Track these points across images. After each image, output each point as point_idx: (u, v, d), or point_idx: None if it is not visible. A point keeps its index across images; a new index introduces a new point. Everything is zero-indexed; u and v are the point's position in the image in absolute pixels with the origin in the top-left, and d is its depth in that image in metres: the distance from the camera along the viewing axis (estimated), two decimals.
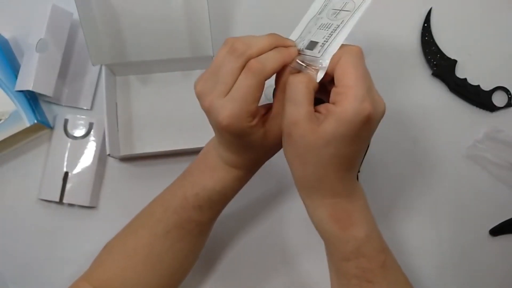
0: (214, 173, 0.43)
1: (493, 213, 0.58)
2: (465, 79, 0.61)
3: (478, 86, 0.61)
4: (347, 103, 0.33)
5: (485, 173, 0.59)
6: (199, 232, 0.46)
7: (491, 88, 0.61)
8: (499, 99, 0.61)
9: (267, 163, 0.45)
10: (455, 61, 0.62)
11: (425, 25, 0.63)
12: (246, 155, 0.42)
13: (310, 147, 0.35)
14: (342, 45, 0.36)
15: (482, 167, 0.59)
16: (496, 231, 0.57)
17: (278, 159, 0.42)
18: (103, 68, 0.57)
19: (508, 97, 0.61)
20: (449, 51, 0.62)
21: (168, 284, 0.47)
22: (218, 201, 0.45)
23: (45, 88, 0.56)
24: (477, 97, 0.61)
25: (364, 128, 0.34)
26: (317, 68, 0.37)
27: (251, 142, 0.39)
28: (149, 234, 0.45)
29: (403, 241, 0.57)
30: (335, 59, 0.35)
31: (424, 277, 0.56)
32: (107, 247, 0.46)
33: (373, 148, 0.59)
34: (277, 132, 0.39)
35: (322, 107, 0.36)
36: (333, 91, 0.35)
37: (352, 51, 0.35)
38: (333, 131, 0.34)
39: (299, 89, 0.36)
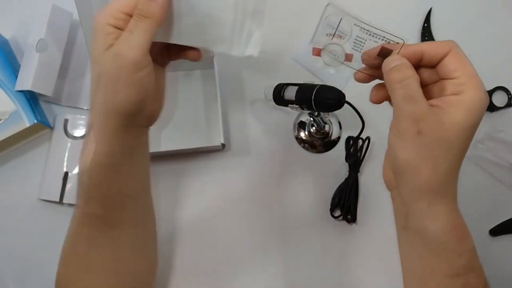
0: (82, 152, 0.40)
1: (493, 213, 0.58)
2: None
3: None
4: (475, 92, 0.34)
5: (485, 173, 0.59)
6: (103, 224, 0.42)
7: (491, 88, 0.61)
8: (499, 99, 0.61)
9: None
10: None
11: (425, 25, 0.63)
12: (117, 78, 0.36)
13: (441, 141, 0.34)
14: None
15: (482, 167, 0.59)
16: (496, 231, 0.57)
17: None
18: None
19: (508, 97, 0.61)
20: None
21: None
22: (91, 185, 0.40)
23: (45, 88, 0.56)
24: None
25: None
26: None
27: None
28: (72, 233, 0.44)
29: None
30: (442, 48, 0.36)
31: None
32: None
33: (373, 148, 0.59)
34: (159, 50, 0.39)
35: (436, 100, 0.35)
36: (453, 82, 0.35)
37: (456, 44, 0.36)
38: (464, 121, 0.33)
39: (413, 84, 0.35)
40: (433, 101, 0.35)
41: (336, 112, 0.58)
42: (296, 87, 0.51)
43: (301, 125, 0.61)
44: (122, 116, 0.38)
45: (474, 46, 0.63)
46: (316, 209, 0.58)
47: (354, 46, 0.43)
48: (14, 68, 0.58)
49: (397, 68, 0.36)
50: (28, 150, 0.59)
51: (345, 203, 0.56)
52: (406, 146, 0.35)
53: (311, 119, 0.59)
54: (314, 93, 0.48)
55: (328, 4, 0.46)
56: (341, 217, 0.57)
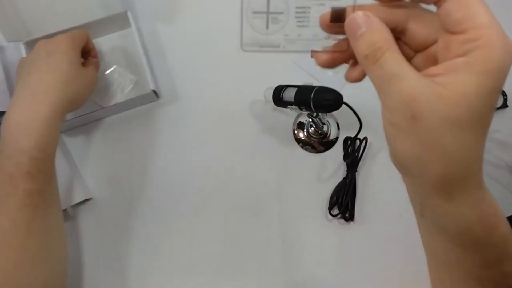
0: (29, 130, 0.43)
1: None
2: None
3: None
4: (490, 49, 0.25)
5: None
6: (44, 201, 0.44)
7: None
8: None
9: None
10: None
11: None
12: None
13: (448, 122, 0.25)
14: None
15: None
16: None
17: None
18: (22, 46, 0.58)
19: (504, 98, 0.62)
20: None
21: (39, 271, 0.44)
22: (42, 159, 0.43)
23: None
24: None
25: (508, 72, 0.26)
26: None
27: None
28: (9, 224, 0.42)
29: (401, 239, 0.57)
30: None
31: (424, 276, 0.57)
32: None
33: (370, 147, 0.60)
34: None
35: (438, 68, 0.26)
36: (458, 39, 0.26)
37: None
38: (477, 89, 0.25)
39: (389, 56, 0.26)
40: (433, 69, 0.26)
41: (334, 113, 0.59)
42: (295, 89, 0.52)
43: (300, 126, 0.61)
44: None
45: None
46: (315, 208, 0.58)
47: (299, 22, 0.30)
48: None
49: (362, 40, 0.27)
50: None
51: (343, 201, 0.57)
52: (402, 137, 0.27)
53: (310, 120, 0.60)
54: (312, 94, 0.49)
55: None
56: (339, 216, 0.57)
